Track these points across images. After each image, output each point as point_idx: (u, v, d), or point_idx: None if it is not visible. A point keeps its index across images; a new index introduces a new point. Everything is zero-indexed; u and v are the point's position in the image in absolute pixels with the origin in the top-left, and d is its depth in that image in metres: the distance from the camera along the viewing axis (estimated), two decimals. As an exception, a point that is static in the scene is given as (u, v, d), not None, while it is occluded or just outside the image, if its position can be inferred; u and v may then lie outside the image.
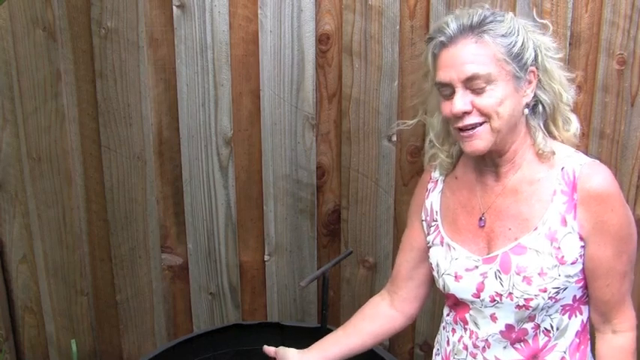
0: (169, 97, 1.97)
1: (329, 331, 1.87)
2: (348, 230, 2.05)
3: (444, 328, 1.47)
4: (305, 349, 1.54)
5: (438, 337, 1.51)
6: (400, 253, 1.51)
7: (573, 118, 1.32)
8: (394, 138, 1.95)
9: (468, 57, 1.21)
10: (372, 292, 2.10)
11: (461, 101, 1.22)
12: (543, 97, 1.29)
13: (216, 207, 2.05)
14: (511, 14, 1.27)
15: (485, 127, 1.23)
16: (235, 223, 2.06)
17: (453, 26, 1.23)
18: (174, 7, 1.89)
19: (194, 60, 1.93)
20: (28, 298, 2.19)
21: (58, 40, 1.93)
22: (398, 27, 1.86)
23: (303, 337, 1.95)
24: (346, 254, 1.90)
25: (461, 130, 1.25)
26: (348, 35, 1.89)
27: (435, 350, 1.52)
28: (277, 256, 2.09)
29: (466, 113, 1.22)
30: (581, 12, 1.83)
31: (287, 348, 1.55)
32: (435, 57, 1.25)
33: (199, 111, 1.97)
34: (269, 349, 1.57)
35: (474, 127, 1.23)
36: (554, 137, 1.31)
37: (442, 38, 1.24)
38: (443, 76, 1.24)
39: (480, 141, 1.24)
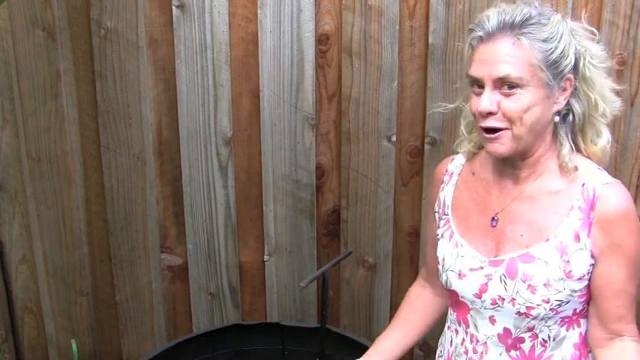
0: (169, 98, 1.98)
1: (329, 331, 1.89)
2: (347, 230, 2.05)
3: (448, 328, 1.46)
4: (365, 356, 1.50)
5: (442, 338, 1.50)
6: (427, 247, 1.51)
7: (605, 132, 1.28)
8: (394, 138, 1.95)
9: (502, 57, 1.19)
10: (371, 292, 2.13)
11: (488, 100, 1.20)
12: (576, 106, 1.25)
13: (216, 207, 2.05)
14: (559, 16, 1.23)
15: (507, 133, 1.21)
16: (235, 224, 2.07)
17: (493, 22, 1.20)
18: (173, 8, 1.90)
19: (194, 60, 1.93)
20: (27, 299, 2.20)
21: (58, 40, 1.94)
22: (397, 27, 1.87)
23: (303, 338, 1.97)
24: (346, 254, 1.90)
25: (484, 130, 1.24)
26: (348, 35, 1.89)
27: (437, 352, 1.52)
28: (277, 257, 2.09)
29: (491, 114, 1.21)
30: (580, 12, 1.83)
31: None
32: (472, 49, 1.24)
33: (199, 111, 1.98)
34: None
35: (496, 130, 1.22)
36: (579, 150, 1.29)
37: (480, 33, 1.21)
38: (475, 70, 1.22)
39: (502, 146, 1.22)
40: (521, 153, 1.25)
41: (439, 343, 1.52)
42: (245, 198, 2.05)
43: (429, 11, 1.84)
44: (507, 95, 1.19)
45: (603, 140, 1.27)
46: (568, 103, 1.25)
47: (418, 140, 1.95)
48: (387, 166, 1.98)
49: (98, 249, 2.12)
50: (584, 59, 1.22)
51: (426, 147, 1.92)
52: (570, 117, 1.26)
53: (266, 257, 2.10)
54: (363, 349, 1.65)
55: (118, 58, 1.94)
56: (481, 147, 1.38)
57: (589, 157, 1.28)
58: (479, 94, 1.23)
